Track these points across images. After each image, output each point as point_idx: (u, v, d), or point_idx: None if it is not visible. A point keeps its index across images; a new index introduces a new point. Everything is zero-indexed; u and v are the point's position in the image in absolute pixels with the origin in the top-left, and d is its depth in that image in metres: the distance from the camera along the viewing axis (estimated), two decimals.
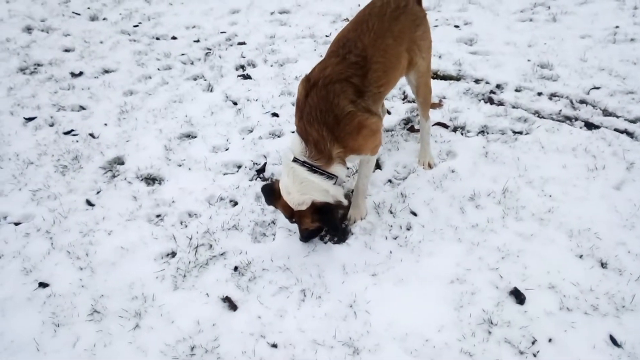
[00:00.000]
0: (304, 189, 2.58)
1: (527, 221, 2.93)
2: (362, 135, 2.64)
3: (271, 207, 2.97)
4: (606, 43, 4.56)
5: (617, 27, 4.78)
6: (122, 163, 3.71)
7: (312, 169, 2.58)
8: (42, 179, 3.55)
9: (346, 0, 5.86)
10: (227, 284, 2.73)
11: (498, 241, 2.82)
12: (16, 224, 3.23)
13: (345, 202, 2.75)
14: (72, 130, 4.06)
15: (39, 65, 5.04)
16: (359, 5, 5.51)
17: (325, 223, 2.73)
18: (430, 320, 2.47)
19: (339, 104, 2.54)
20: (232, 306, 2.62)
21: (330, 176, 2.64)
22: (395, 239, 2.91)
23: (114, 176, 3.57)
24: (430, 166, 3.37)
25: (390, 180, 3.34)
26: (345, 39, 2.73)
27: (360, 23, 2.77)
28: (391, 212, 3.07)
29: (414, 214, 3.05)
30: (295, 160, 2.60)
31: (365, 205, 3.09)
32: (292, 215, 2.70)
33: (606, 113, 3.74)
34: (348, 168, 2.84)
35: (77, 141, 3.93)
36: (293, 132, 3.77)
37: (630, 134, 3.52)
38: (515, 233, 2.86)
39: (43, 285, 2.81)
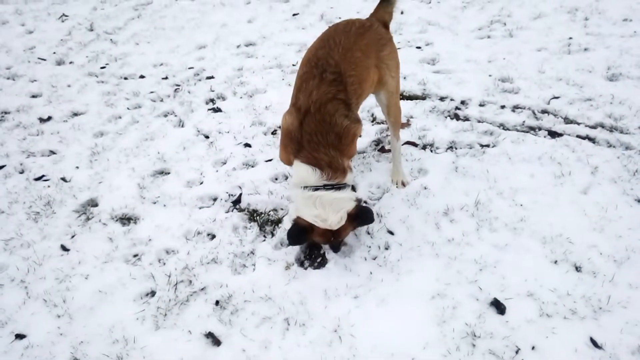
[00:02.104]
0: (337, 207, 2.66)
1: (501, 232, 2.99)
2: (354, 142, 2.82)
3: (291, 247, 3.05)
4: (561, 54, 4.75)
5: (570, 38, 4.99)
6: (96, 205, 3.67)
7: (335, 187, 2.68)
8: (14, 228, 3.49)
9: (310, 29, 5.99)
10: (209, 319, 2.70)
11: (474, 253, 2.87)
12: None
13: (360, 196, 2.94)
14: (43, 176, 4.01)
15: (6, 113, 4.99)
16: None
17: (366, 220, 2.84)
18: (415, 338, 2.48)
19: (337, 122, 2.67)
20: (216, 341, 2.59)
21: (347, 185, 2.76)
22: (374, 259, 2.93)
23: (88, 219, 3.52)
24: (403, 184, 3.43)
25: (365, 202, 3.37)
26: (316, 58, 2.80)
27: (327, 40, 2.86)
28: (368, 233, 3.10)
29: (391, 232, 3.09)
30: (316, 188, 2.66)
31: None
32: (331, 236, 2.77)
33: (567, 121, 3.88)
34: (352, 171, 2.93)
35: (48, 186, 3.88)
36: (267, 160, 3.83)
37: (592, 140, 3.65)
38: (491, 244, 2.92)
39: (20, 336, 2.74)
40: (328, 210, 2.65)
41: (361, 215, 2.78)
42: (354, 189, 3.33)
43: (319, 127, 2.64)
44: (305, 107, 2.67)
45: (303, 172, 2.69)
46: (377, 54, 3.01)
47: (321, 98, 2.66)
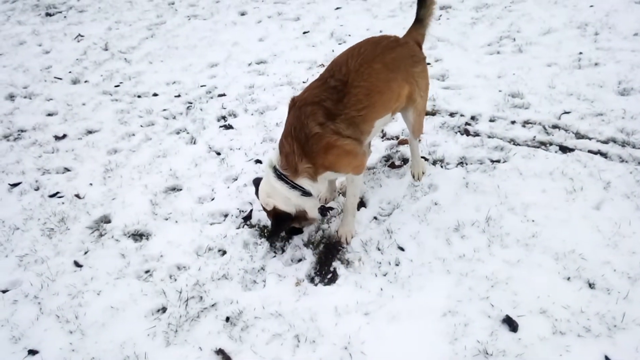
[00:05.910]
0: (271, 192, 2.87)
1: (512, 248, 2.97)
2: (332, 154, 2.79)
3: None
4: (572, 69, 4.74)
5: (580, 53, 4.98)
6: (109, 221, 3.71)
7: (281, 176, 2.80)
8: (28, 244, 3.54)
9: (321, 47, 6.05)
10: (220, 336, 2.71)
11: (486, 270, 2.85)
12: (3, 291, 3.19)
13: (313, 216, 3.01)
14: (57, 193, 4.07)
15: (22, 131, 5.09)
16: (333, 51, 5.72)
17: (273, 227, 3.04)
18: (426, 355, 2.46)
19: (307, 125, 2.73)
20: (226, 358, 2.59)
21: (296, 187, 2.83)
22: (384, 275, 2.93)
23: (101, 235, 3.56)
24: (423, 173, 3.59)
25: (375, 217, 3.37)
26: (334, 63, 2.89)
27: (354, 48, 2.93)
28: (379, 249, 3.09)
29: (402, 249, 3.08)
30: (271, 166, 2.85)
31: (354, 224, 3.22)
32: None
33: (579, 136, 3.86)
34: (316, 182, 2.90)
35: (63, 203, 3.94)
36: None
37: (603, 155, 3.62)
38: (502, 260, 2.89)
39: (32, 352, 2.76)
40: (265, 189, 2.90)
41: (275, 220, 2.95)
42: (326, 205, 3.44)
43: (295, 122, 2.76)
44: (295, 101, 2.83)
45: (275, 149, 2.91)
46: (407, 68, 3.02)
47: (307, 98, 2.78)
